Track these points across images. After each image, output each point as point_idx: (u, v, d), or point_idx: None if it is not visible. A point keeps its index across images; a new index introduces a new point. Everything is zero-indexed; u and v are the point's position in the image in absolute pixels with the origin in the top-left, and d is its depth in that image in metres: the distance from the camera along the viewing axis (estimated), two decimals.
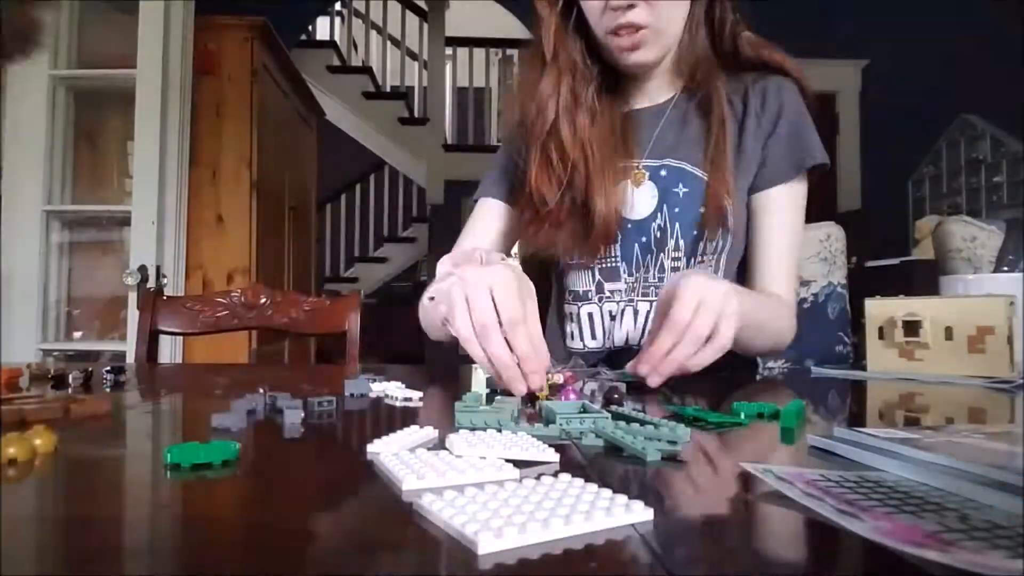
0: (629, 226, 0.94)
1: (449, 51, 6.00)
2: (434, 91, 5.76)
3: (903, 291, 0.88)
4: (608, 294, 0.97)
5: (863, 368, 0.88)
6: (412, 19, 6.12)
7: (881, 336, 0.86)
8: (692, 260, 0.93)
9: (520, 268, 0.64)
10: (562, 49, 0.92)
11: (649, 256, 0.94)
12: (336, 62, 5.83)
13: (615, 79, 0.98)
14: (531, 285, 0.62)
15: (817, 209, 1.48)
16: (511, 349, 0.56)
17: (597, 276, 0.97)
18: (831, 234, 1.39)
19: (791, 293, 0.94)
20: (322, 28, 6.08)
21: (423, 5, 6.03)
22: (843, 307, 1.38)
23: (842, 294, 1.38)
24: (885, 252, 3.35)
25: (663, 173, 0.94)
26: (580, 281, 0.99)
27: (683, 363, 0.64)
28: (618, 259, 0.96)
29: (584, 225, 0.92)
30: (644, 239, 0.94)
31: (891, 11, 4.73)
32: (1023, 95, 4.13)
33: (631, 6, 0.84)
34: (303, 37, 5.07)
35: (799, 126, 0.93)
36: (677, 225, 0.92)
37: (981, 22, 4.58)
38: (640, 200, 0.94)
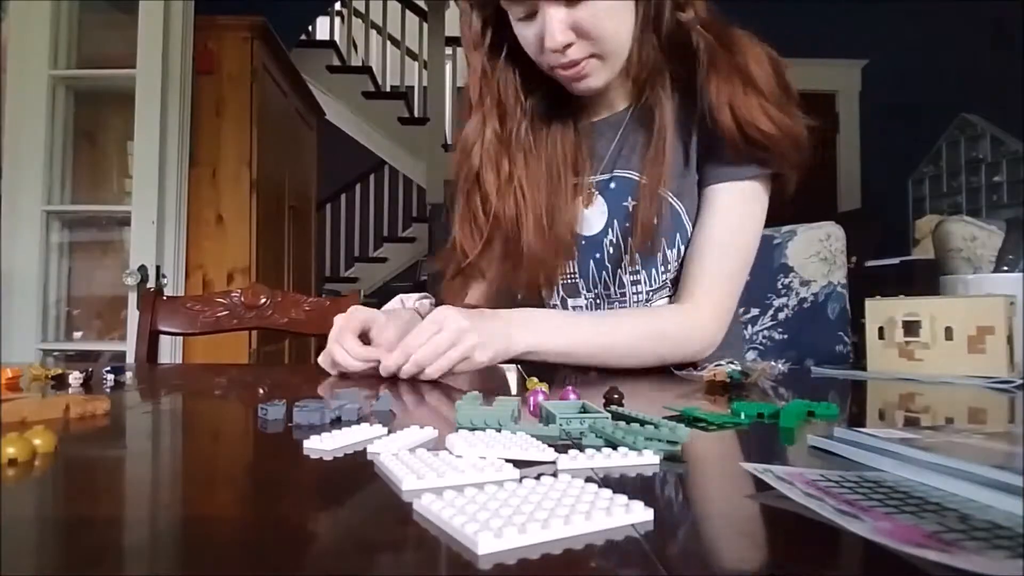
0: (584, 242, 0.93)
1: (449, 51, 6.00)
2: (434, 91, 5.77)
3: (903, 291, 0.88)
4: (572, 310, 0.97)
5: (863, 368, 0.88)
6: (412, 19, 6.12)
7: (881, 336, 0.86)
8: (653, 271, 0.91)
9: (410, 311, 0.88)
10: (487, 92, 0.90)
11: (605, 272, 0.93)
12: (336, 62, 5.83)
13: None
14: (400, 316, 0.85)
15: (817, 209, 1.48)
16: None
17: (561, 292, 0.97)
18: (831, 234, 1.39)
19: (713, 300, 0.86)
20: (322, 28, 6.08)
21: (423, 5, 6.03)
22: (843, 307, 1.38)
23: (842, 294, 1.38)
24: (885, 252, 3.35)
25: (612, 186, 0.91)
26: (549, 298, 0.99)
27: (409, 375, 0.72)
28: (576, 275, 0.95)
29: (513, 266, 0.92)
30: (598, 255, 0.92)
31: (891, 11, 4.73)
32: (1023, 95, 4.13)
33: (567, 46, 0.79)
34: (303, 37, 5.07)
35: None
36: (628, 240, 0.89)
37: (981, 22, 4.58)
38: (592, 216, 0.92)
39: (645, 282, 0.91)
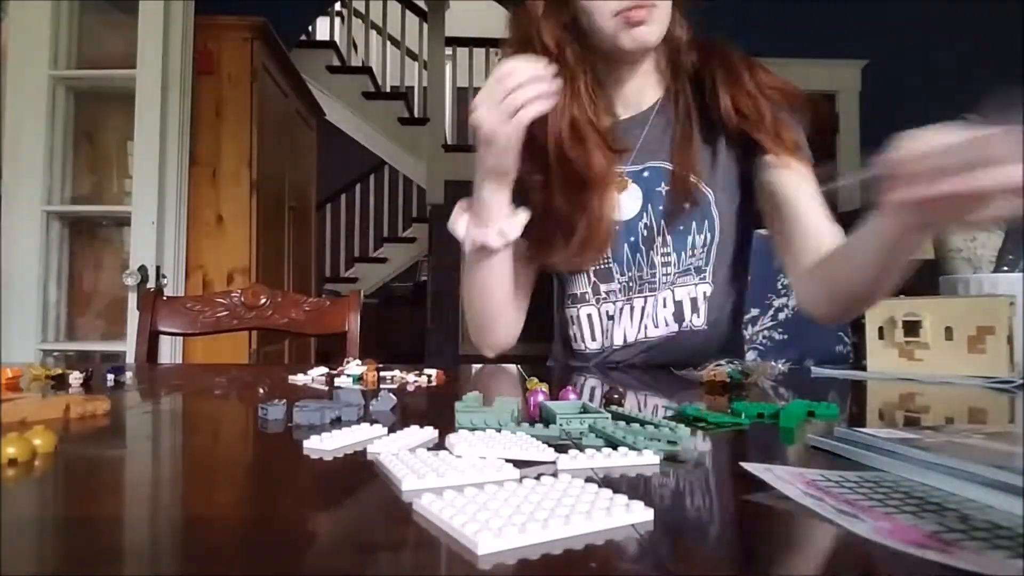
0: (617, 227, 0.95)
1: (449, 51, 6.00)
2: (434, 91, 5.76)
3: (903, 291, 0.88)
4: (604, 295, 0.98)
5: (863, 368, 0.88)
6: (412, 19, 6.12)
7: (881, 336, 0.86)
8: (682, 254, 0.95)
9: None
10: (568, 46, 0.90)
11: (639, 254, 0.96)
12: (336, 62, 5.83)
13: (599, 89, 0.95)
14: None
15: None
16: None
17: (592, 278, 0.99)
18: None
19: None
20: (322, 28, 6.08)
21: (423, 5, 6.03)
22: None
23: None
24: None
25: (645, 175, 0.95)
26: (577, 284, 1.00)
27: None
28: (610, 260, 0.97)
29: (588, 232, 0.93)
30: (632, 238, 0.96)
31: (891, 11, 4.73)
32: (1023, 95, 4.12)
33: None
34: (303, 37, 5.07)
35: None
36: (663, 222, 0.94)
37: (981, 22, 4.58)
38: (626, 202, 0.96)
39: (674, 264, 0.95)
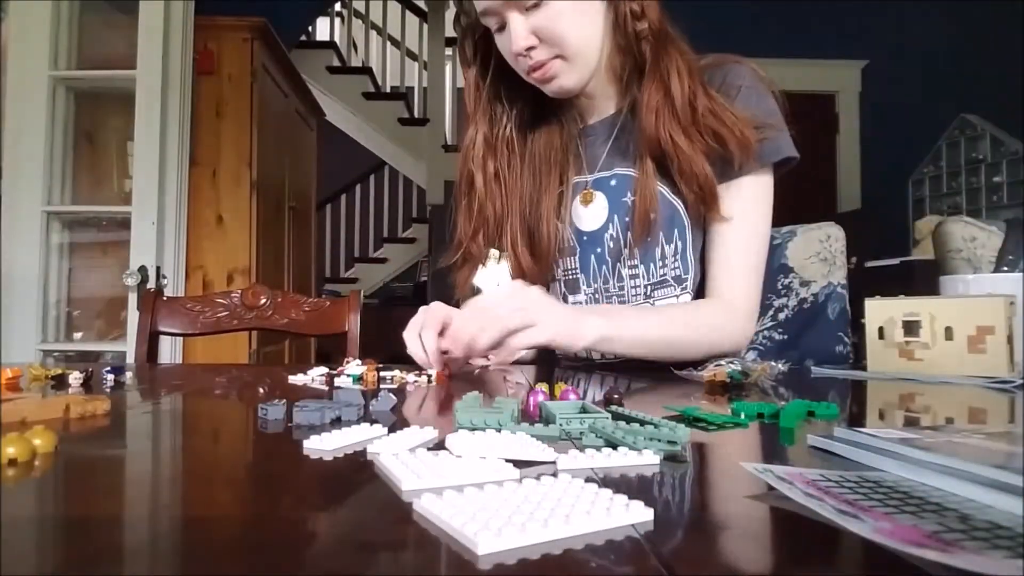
0: (584, 238, 0.96)
1: (449, 51, 5.99)
2: (434, 91, 5.76)
3: (903, 291, 0.88)
4: (571, 304, 0.99)
5: (863, 368, 0.88)
6: (412, 19, 6.12)
7: (881, 336, 0.86)
8: (651, 266, 0.93)
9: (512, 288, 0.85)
10: (478, 103, 0.98)
11: (605, 267, 0.96)
12: (336, 62, 5.83)
13: (564, 100, 0.97)
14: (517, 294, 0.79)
15: (817, 209, 1.47)
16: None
17: (561, 288, 1.00)
18: (831, 234, 1.39)
19: (745, 294, 0.91)
20: (322, 28, 6.08)
21: (423, 5, 6.03)
22: (843, 307, 1.38)
23: (842, 294, 1.38)
24: (885, 252, 3.35)
25: (613, 183, 0.95)
26: (553, 291, 1.02)
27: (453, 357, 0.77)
28: (577, 271, 0.98)
29: (515, 259, 0.99)
30: (599, 250, 0.95)
31: (891, 11, 4.73)
32: (1023, 95, 4.13)
33: (530, 49, 0.85)
34: (303, 37, 5.07)
35: (765, 111, 0.89)
36: (628, 235, 0.92)
37: (981, 22, 4.58)
38: (592, 213, 0.96)
39: (643, 276, 0.94)
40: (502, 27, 0.87)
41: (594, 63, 0.90)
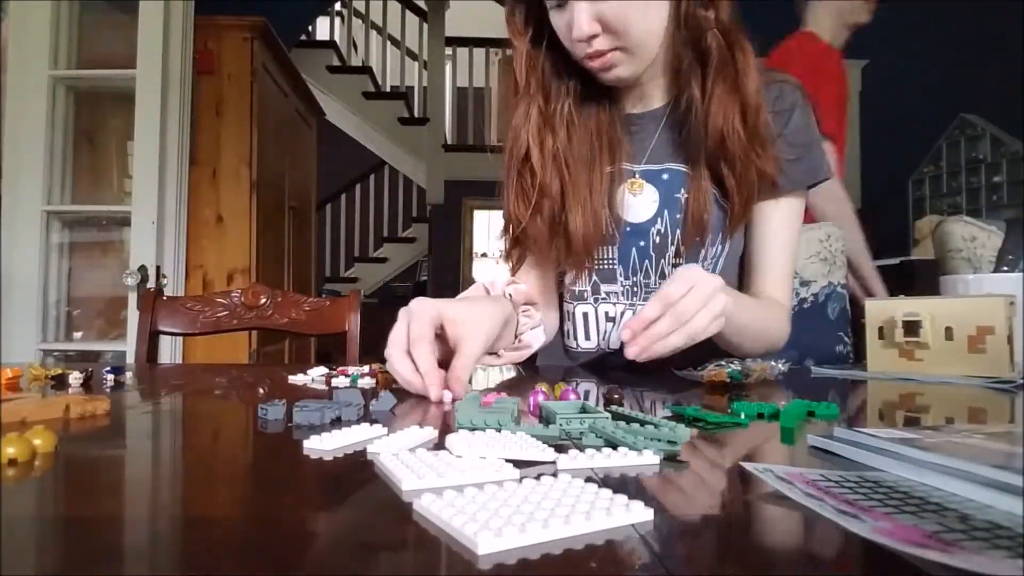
0: (628, 229, 0.94)
1: (449, 51, 6.01)
2: (434, 91, 5.77)
3: (903, 291, 0.88)
4: (604, 296, 0.97)
5: (863, 368, 0.88)
6: (412, 19, 6.13)
7: (881, 336, 0.86)
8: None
9: (504, 301, 0.81)
10: (532, 76, 0.93)
11: (647, 261, 0.94)
12: (336, 62, 5.84)
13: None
14: (492, 319, 0.73)
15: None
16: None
17: (594, 277, 0.98)
18: (831, 234, 1.39)
19: (787, 298, 0.96)
20: (322, 28, 6.08)
21: (423, 5, 6.03)
22: (843, 307, 1.38)
23: (842, 294, 1.38)
24: (885, 252, 3.35)
25: (665, 177, 0.93)
26: (578, 280, 0.99)
27: (661, 337, 0.68)
28: (615, 261, 0.95)
29: (566, 241, 0.94)
30: (643, 243, 0.94)
31: (891, 11, 4.73)
32: (1023, 95, 4.13)
33: (592, 38, 0.82)
34: (303, 37, 5.07)
35: (811, 138, 0.92)
36: (679, 232, 0.92)
37: (981, 22, 4.58)
38: (640, 204, 0.93)
39: None
40: (562, 3, 0.83)
41: (654, 55, 0.88)
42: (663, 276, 0.94)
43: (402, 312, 0.69)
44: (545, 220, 0.93)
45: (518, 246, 0.99)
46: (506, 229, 0.98)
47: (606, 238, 0.94)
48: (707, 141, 0.86)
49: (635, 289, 0.96)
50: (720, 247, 0.93)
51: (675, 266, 0.93)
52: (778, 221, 0.94)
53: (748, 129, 0.85)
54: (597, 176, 0.93)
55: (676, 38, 0.87)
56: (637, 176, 0.94)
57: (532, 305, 0.92)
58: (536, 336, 0.90)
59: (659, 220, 0.93)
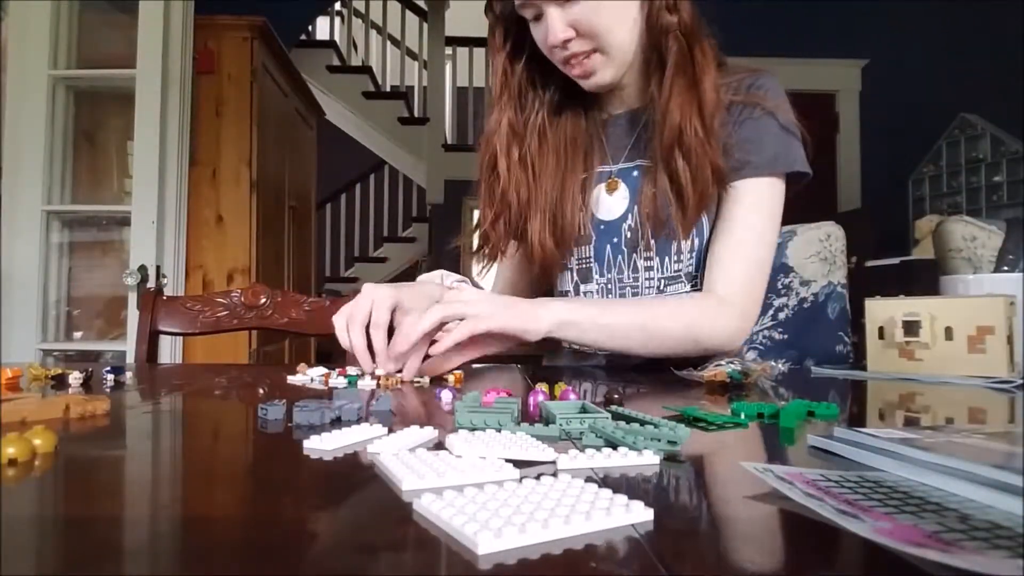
0: (601, 227, 0.96)
1: (449, 51, 6.00)
2: (434, 91, 5.76)
3: (903, 291, 0.88)
4: (584, 295, 0.99)
5: (863, 368, 0.88)
6: (412, 19, 6.12)
7: (881, 336, 0.86)
8: (666, 259, 0.93)
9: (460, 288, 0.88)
10: (506, 89, 0.97)
11: (620, 256, 0.95)
12: (336, 62, 5.83)
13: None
14: (432, 300, 0.80)
15: (817, 209, 1.47)
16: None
17: (574, 277, 1.00)
18: (831, 234, 1.39)
19: (742, 291, 0.88)
20: (322, 28, 6.08)
21: (423, 5, 6.03)
22: (843, 307, 1.38)
23: (842, 294, 1.38)
24: (885, 252, 3.35)
25: (635, 174, 0.95)
26: (563, 280, 1.02)
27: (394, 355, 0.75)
28: (591, 260, 0.97)
29: (530, 247, 0.97)
30: (616, 239, 0.95)
31: (891, 11, 4.73)
32: (1023, 95, 4.13)
33: (567, 42, 0.85)
34: (303, 37, 5.07)
35: (787, 124, 0.90)
36: (648, 226, 0.92)
37: (981, 22, 4.58)
38: (614, 201, 0.95)
39: (658, 269, 0.94)
40: (538, 17, 0.88)
41: (631, 56, 0.91)
42: (635, 271, 0.94)
43: (366, 289, 0.81)
44: (508, 227, 0.98)
45: (481, 250, 1.03)
46: (475, 229, 1.03)
47: (580, 239, 0.96)
48: (664, 137, 0.87)
49: (610, 287, 0.97)
50: (697, 241, 0.92)
51: (647, 260, 0.94)
52: (737, 214, 0.89)
53: (706, 126, 0.86)
54: (569, 183, 0.96)
55: (647, 39, 0.90)
56: (614, 175, 0.96)
57: (465, 281, 0.98)
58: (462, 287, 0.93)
59: (629, 216, 0.94)
